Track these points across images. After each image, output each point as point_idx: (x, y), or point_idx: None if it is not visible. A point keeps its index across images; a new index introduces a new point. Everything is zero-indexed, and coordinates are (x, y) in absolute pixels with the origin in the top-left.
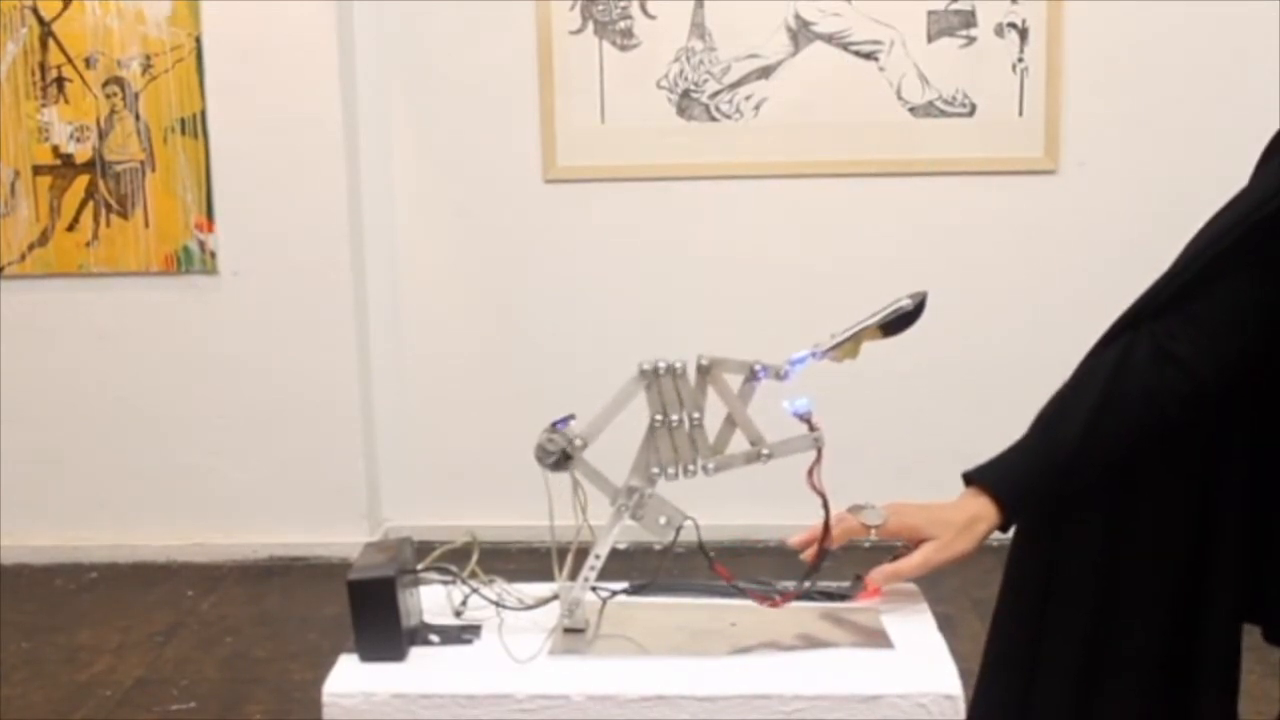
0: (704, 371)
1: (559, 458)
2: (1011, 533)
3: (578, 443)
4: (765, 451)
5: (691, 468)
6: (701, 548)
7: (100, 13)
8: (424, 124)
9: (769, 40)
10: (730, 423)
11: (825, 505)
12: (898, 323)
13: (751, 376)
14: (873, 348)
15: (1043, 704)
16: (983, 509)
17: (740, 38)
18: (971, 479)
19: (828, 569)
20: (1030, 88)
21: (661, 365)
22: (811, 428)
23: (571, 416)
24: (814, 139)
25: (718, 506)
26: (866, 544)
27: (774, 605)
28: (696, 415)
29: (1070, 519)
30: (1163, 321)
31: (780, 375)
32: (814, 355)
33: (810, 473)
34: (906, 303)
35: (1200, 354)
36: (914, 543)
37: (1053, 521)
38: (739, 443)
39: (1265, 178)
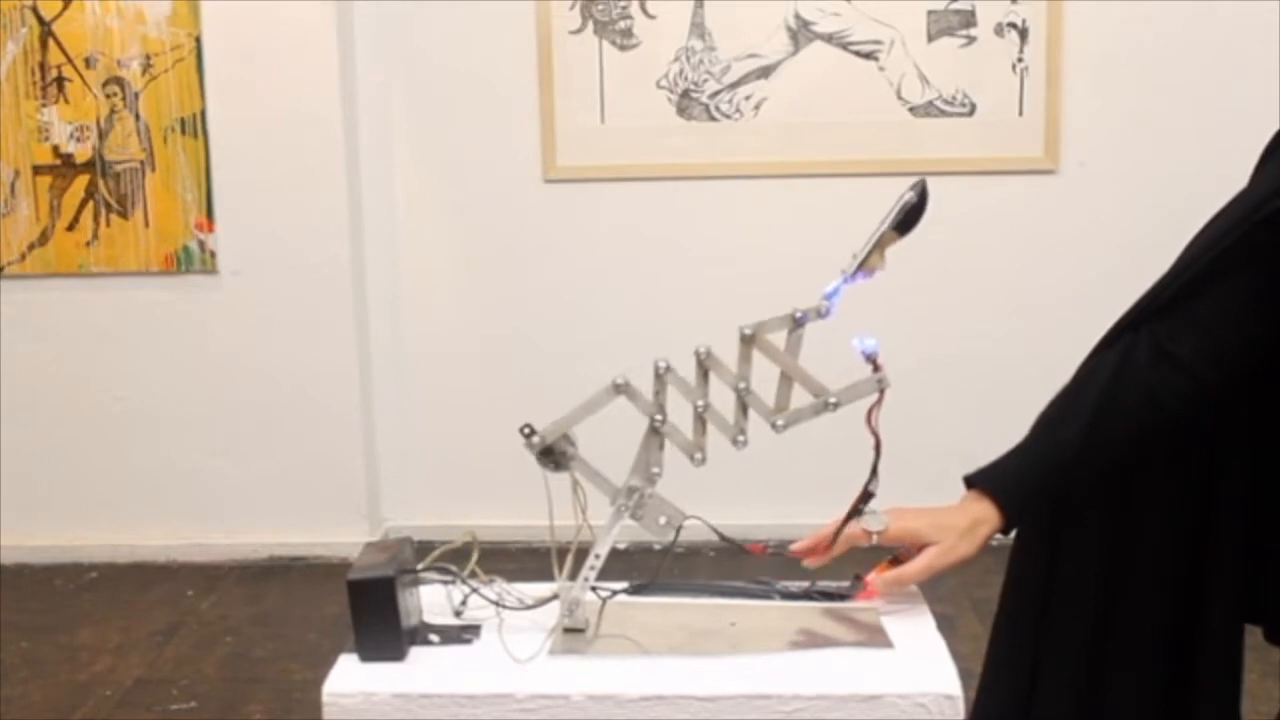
0: (749, 340)
1: (551, 456)
2: (1013, 534)
3: (535, 440)
4: (832, 400)
5: (742, 438)
6: (721, 536)
7: (100, 13)
8: (424, 124)
9: (769, 40)
10: (787, 381)
11: (878, 446)
12: (909, 218)
13: (796, 325)
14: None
15: (1044, 705)
16: (984, 512)
17: (740, 37)
18: (973, 482)
19: (828, 569)
20: (1030, 88)
21: (662, 365)
22: (876, 368)
23: None
24: (814, 139)
25: (718, 506)
26: (867, 546)
27: (819, 553)
28: (744, 384)
29: (1071, 520)
30: (1163, 322)
31: (822, 313)
32: (845, 280)
33: (870, 414)
34: (910, 196)
35: (1201, 355)
36: (916, 548)
37: (1054, 523)
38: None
39: (1265, 178)
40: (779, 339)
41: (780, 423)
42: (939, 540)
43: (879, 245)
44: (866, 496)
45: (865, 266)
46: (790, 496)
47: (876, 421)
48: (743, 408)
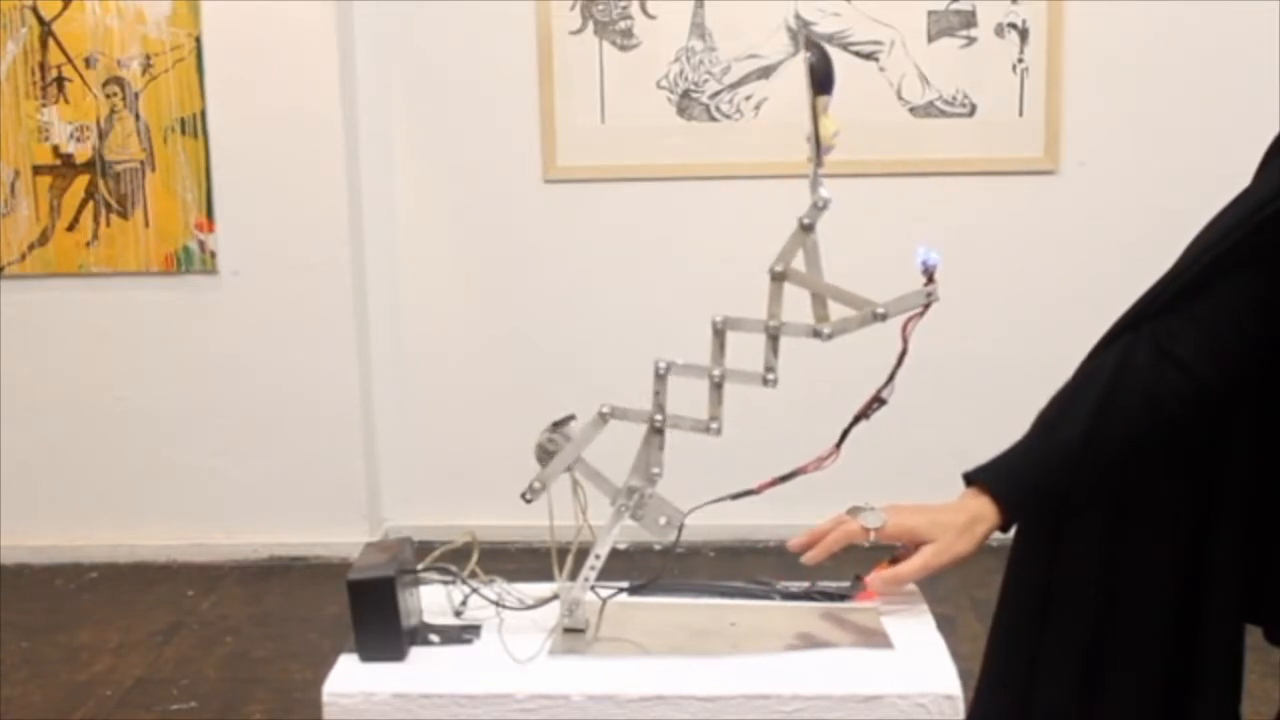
0: (780, 276)
1: (551, 457)
2: (1012, 533)
3: (536, 485)
4: (880, 310)
5: (771, 376)
6: (729, 496)
7: (100, 13)
8: (424, 124)
9: (769, 40)
10: (821, 302)
11: (902, 355)
12: (824, 78)
13: (806, 230)
14: (872, 352)
15: (1043, 705)
16: (983, 510)
17: (740, 38)
18: (972, 479)
19: (827, 569)
20: (1030, 88)
21: (662, 365)
22: (930, 281)
23: (572, 417)
24: None
25: (717, 505)
26: (866, 544)
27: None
28: (774, 323)
29: (1071, 519)
30: (1164, 322)
31: (820, 206)
32: (818, 165)
33: (908, 323)
34: (810, 57)
35: (1201, 355)
36: (913, 545)
37: (1053, 522)
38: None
39: (1267, 178)
40: (800, 264)
41: (827, 331)
42: (936, 538)
43: (817, 114)
44: (879, 402)
45: (823, 141)
46: (790, 497)
47: (911, 330)
48: (774, 348)
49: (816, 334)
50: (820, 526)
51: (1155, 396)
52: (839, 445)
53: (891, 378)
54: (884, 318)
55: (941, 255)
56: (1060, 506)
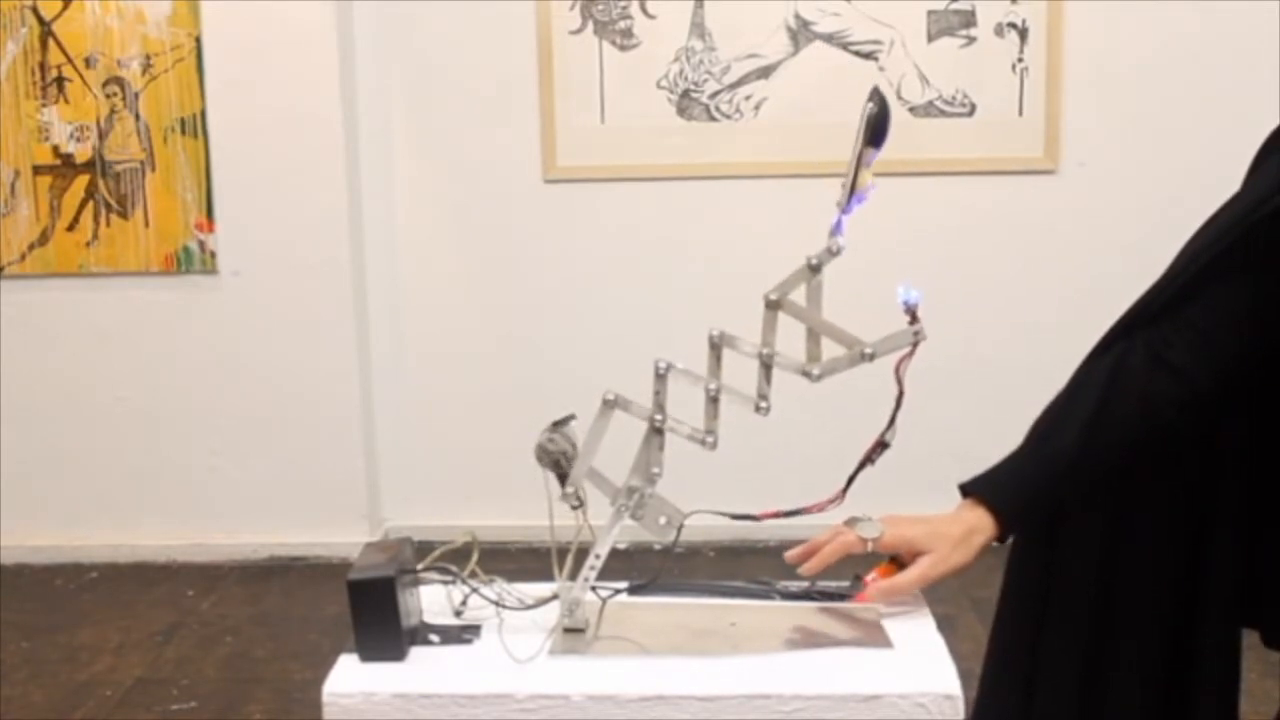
0: (774, 305)
1: (557, 468)
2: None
3: (569, 489)
4: (868, 350)
5: (764, 404)
6: (729, 515)
7: (100, 13)
8: (424, 124)
9: (769, 40)
10: (815, 338)
11: (899, 397)
12: (878, 129)
13: (813, 271)
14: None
15: (1043, 708)
16: (980, 521)
17: (740, 38)
18: (968, 490)
19: (828, 570)
20: (1030, 88)
21: (662, 365)
22: (914, 319)
23: (572, 416)
24: (814, 139)
25: (717, 506)
26: (864, 555)
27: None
28: (767, 351)
29: (1069, 524)
30: (1158, 327)
31: (834, 251)
32: (844, 212)
33: (899, 364)
34: (871, 107)
35: (1196, 360)
36: (910, 556)
37: (1051, 527)
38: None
39: (1260, 181)
40: (799, 296)
41: (816, 372)
42: (934, 549)
43: (860, 165)
44: (882, 446)
45: (857, 190)
46: (790, 499)
47: (904, 372)
48: (766, 375)
49: (806, 374)
50: (818, 537)
51: (1150, 404)
52: (844, 491)
53: (892, 421)
54: (872, 358)
55: (922, 294)
56: (1058, 512)
